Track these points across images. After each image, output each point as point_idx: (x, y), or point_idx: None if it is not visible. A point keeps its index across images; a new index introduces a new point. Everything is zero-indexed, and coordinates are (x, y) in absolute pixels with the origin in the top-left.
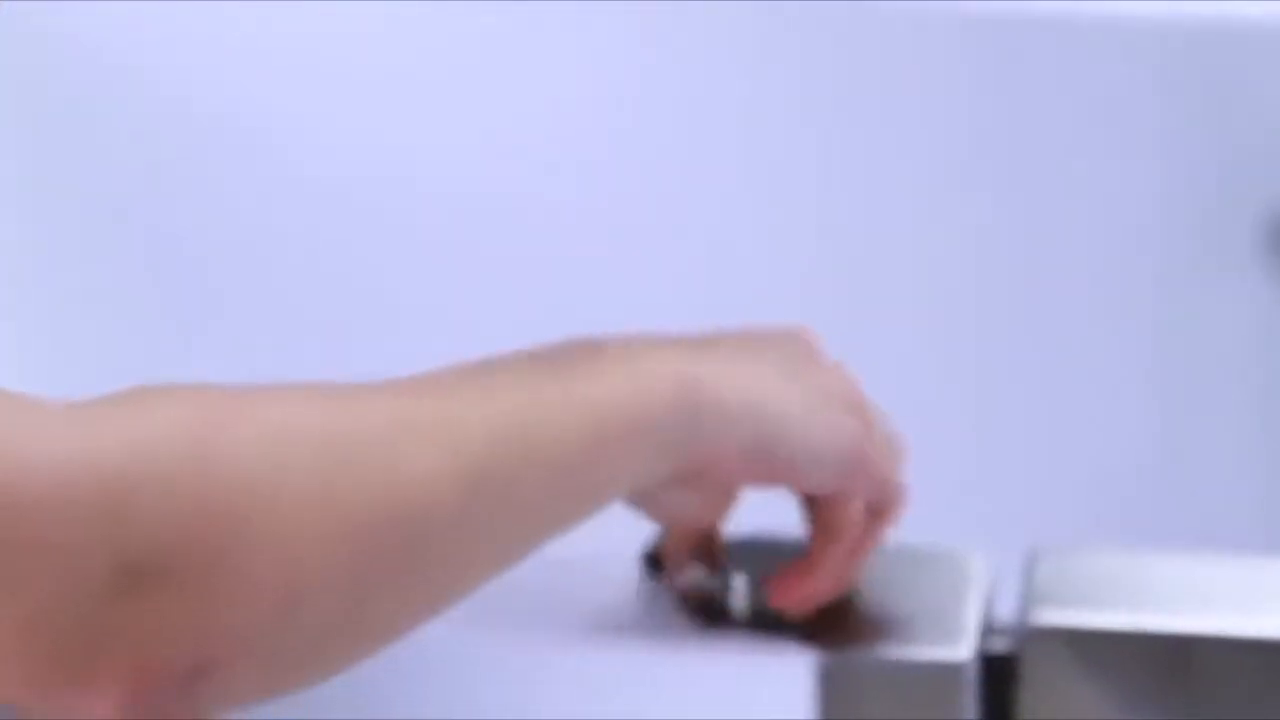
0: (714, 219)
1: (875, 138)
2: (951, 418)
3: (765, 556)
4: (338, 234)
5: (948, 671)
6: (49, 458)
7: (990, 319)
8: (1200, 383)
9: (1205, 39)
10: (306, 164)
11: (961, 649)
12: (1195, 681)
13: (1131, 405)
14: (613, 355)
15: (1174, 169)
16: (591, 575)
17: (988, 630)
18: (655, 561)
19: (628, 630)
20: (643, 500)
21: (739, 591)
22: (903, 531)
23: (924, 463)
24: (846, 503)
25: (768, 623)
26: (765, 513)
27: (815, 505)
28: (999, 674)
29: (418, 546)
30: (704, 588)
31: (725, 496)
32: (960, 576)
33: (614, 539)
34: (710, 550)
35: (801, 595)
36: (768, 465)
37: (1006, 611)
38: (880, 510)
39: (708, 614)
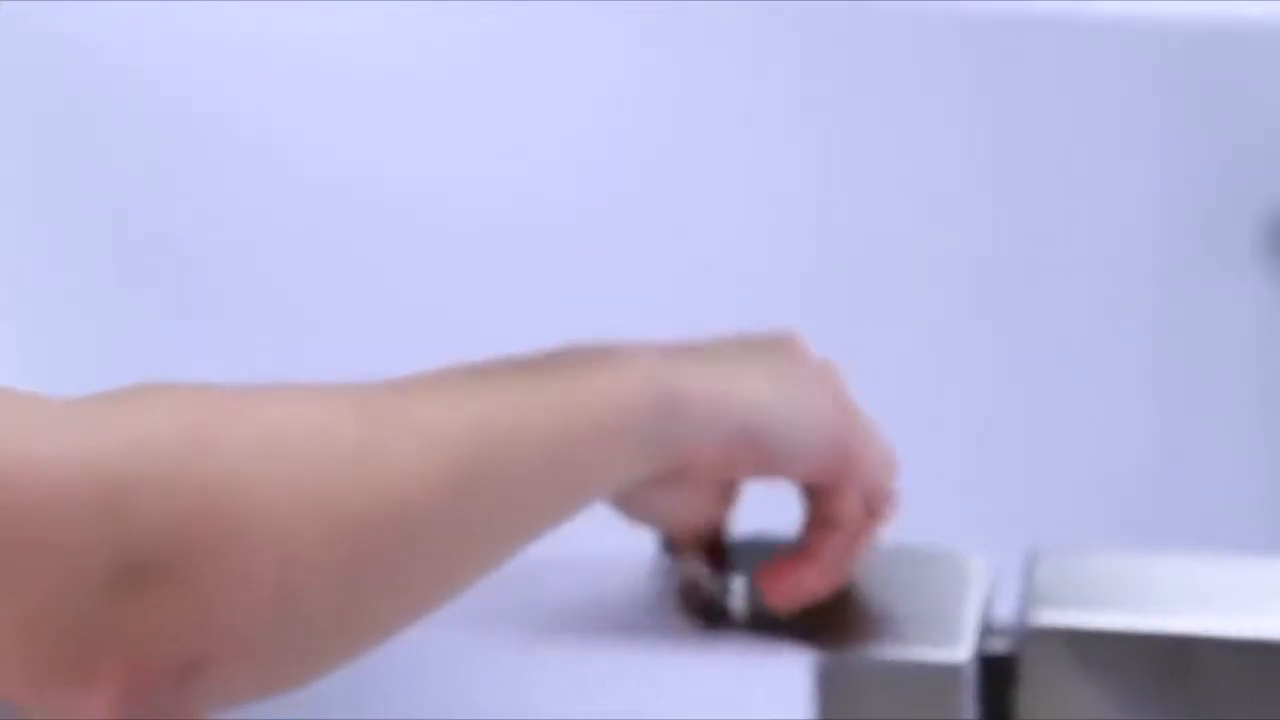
0: (714, 219)
1: (875, 138)
2: (951, 418)
3: (765, 558)
4: (338, 234)
5: (947, 672)
6: (48, 456)
7: (990, 319)
8: (1200, 383)
9: (1205, 39)
10: (307, 164)
11: (960, 649)
12: (1194, 682)
13: (1131, 405)
14: (593, 358)
15: (1174, 169)
16: (591, 576)
17: (987, 631)
18: (671, 546)
19: (627, 631)
20: (631, 503)
21: (738, 592)
22: (902, 531)
23: (923, 463)
24: (841, 495)
25: (767, 623)
26: (766, 513)
27: (812, 498)
28: (998, 675)
29: (411, 543)
30: (703, 588)
31: (719, 493)
32: (959, 577)
33: (613, 539)
34: (715, 549)
35: (791, 585)
36: (752, 456)
37: (1006, 612)
38: (871, 508)
39: (707, 614)
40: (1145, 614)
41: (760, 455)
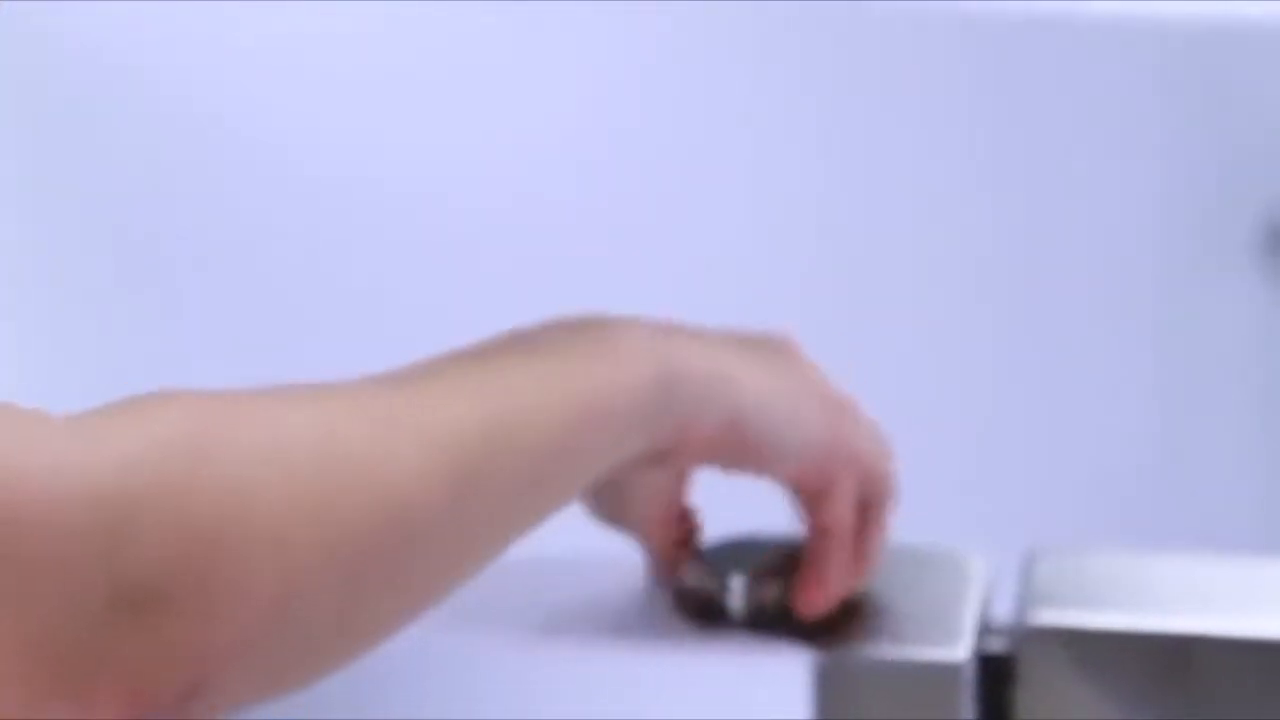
0: (714, 219)
1: (875, 138)
2: (950, 418)
3: (761, 556)
4: (338, 234)
5: (945, 672)
6: (47, 473)
7: (989, 319)
8: (1199, 383)
9: (1204, 39)
10: (306, 164)
11: (959, 649)
12: (1193, 682)
13: (1130, 405)
14: (585, 335)
15: (1174, 169)
16: (589, 576)
17: (985, 630)
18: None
19: (625, 631)
20: (605, 491)
21: (736, 591)
22: (901, 531)
23: (923, 463)
24: (832, 498)
25: (765, 623)
26: (767, 513)
27: (806, 506)
28: (996, 674)
29: (413, 545)
30: (701, 588)
31: (683, 478)
32: (958, 577)
33: (612, 540)
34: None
35: (822, 600)
36: (738, 444)
37: (1004, 611)
38: (874, 502)
39: (705, 614)
40: (1144, 614)
41: (748, 445)
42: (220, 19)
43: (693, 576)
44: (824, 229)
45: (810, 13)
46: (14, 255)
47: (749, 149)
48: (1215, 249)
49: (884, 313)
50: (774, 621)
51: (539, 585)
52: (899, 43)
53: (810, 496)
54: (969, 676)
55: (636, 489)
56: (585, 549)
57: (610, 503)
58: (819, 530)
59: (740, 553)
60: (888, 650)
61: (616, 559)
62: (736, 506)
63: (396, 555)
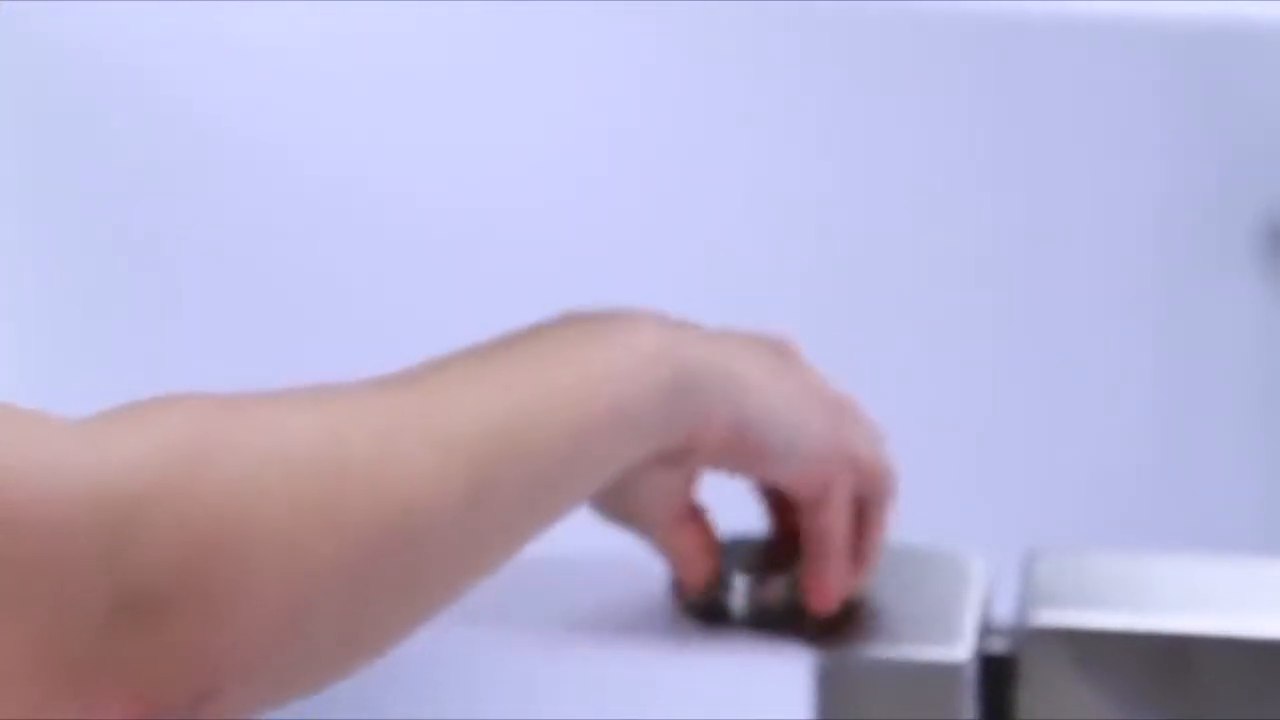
0: (714, 219)
1: (875, 138)
2: (950, 418)
3: (762, 555)
4: (338, 235)
5: (946, 672)
6: (47, 475)
7: (989, 320)
8: (1199, 384)
9: (1204, 40)
10: (306, 164)
11: (960, 649)
12: (1194, 682)
13: (1130, 406)
14: (595, 335)
15: (1173, 169)
16: (590, 576)
17: (986, 631)
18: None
19: (626, 630)
20: (617, 492)
21: (737, 591)
22: (902, 532)
23: (923, 463)
24: (826, 504)
25: (766, 622)
26: (757, 513)
27: (798, 512)
28: (997, 674)
29: (416, 547)
30: (703, 587)
31: (692, 478)
32: (959, 577)
33: (612, 540)
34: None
35: (827, 604)
36: (745, 446)
37: (1005, 612)
38: (873, 502)
39: (706, 614)
40: (1144, 614)
41: (757, 447)
42: (220, 19)
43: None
44: (824, 229)
45: (810, 13)
46: (14, 255)
47: (749, 149)
48: (1215, 249)
49: (884, 313)
50: (776, 621)
51: (540, 585)
52: (899, 43)
53: (808, 499)
54: (970, 677)
55: (646, 489)
56: (586, 549)
57: (619, 503)
58: (816, 533)
59: (741, 552)
60: (889, 650)
61: (617, 559)
62: (735, 506)
63: (403, 559)
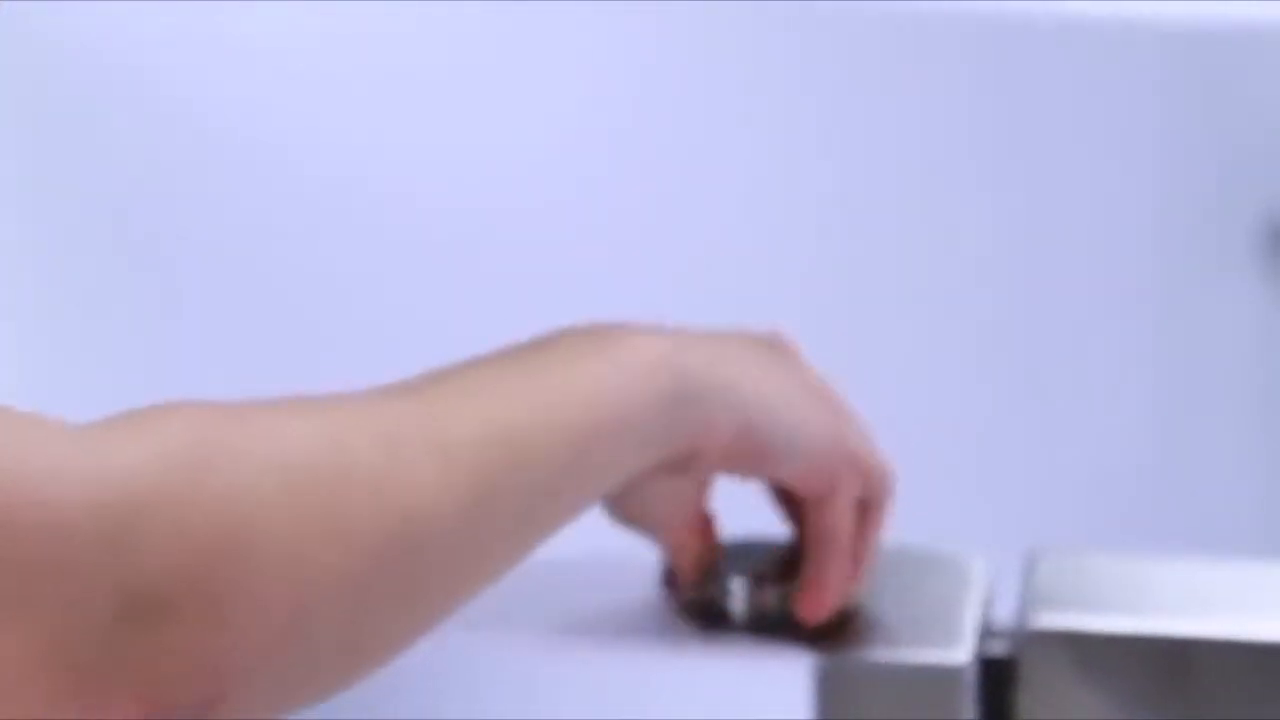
0: (714, 220)
1: (875, 138)
2: (950, 419)
3: (762, 559)
4: (338, 235)
5: (946, 674)
6: (50, 479)
7: (989, 320)
8: (1199, 385)
9: (1204, 41)
10: (306, 164)
11: (960, 652)
12: (1194, 685)
13: (1130, 407)
14: (597, 346)
15: (1173, 170)
16: (589, 579)
17: (986, 633)
18: (672, 578)
19: (626, 633)
20: (626, 498)
21: (737, 594)
22: (901, 534)
23: (923, 465)
24: (832, 503)
25: (766, 625)
26: (765, 515)
27: (802, 512)
28: (997, 677)
29: (418, 556)
30: (702, 591)
31: (704, 485)
32: (959, 579)
33: (612, 542)
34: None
35: (824, 605)
36: (750, 450)
37: (1005, 614)
38: (873, 501)
39: (706, 617)
40: (1144, 617)
41: (762, 449)
42: (220, 19)
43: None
44: (823, 230)
45: (810, 13)
46: (14, 255)
47: (749, 149)
48: (1215, 249)
49: (883, 313)
50: (775, 625)
51: (539, 588)
52: (899, 43)
53: (813, 498)
54: (970, 679)
55: (657, 496)
56: (585, 551)
57: (631, 508)
58: (820, 532)
59: (741, 556)
60: (889, 653)
61: (618, 561)
62: (736, 508)
63: (404, 565)
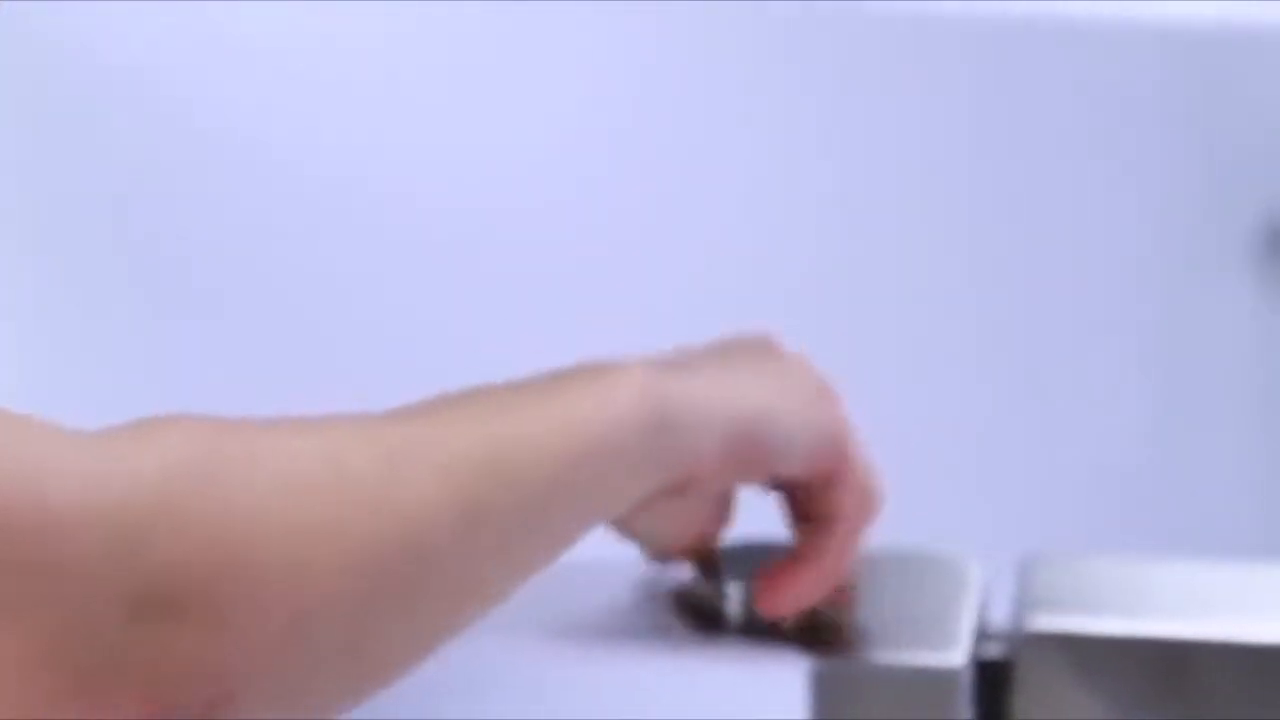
0: (713, 220)
1: (875, 138)
2: (947, 421)
3: (760, 562)
4: (338, 236)
5: (942, 677)
6: (63, 485)
7: (987, 321)
8: (1197, 387)
9: (1203, 42)
10: (306, 165)
11: (956, 655)
12: (1190, 687)
13: (1128, 409)
14: (580, 379)
15: (1172, 172)
16: (585, 581)
17: (982, 636)
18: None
19: (622, 636)
20: (633, 521)
21: (734, 597)
22: (897, 536)
23: (921, 466)
24: (837, 488)
25: (762, 629)
26: (760, 517)
27: (800, 502)
28: (994, 680)
29: (423, 574)
30: (699, 593)
31: (720, 504)
32: (955, 582)
33: (608, 545)
34: (707, 555)
35: (789, 596)
36: (752, 458)
37: (1001, 617)
38: (864, 499)
39: (703, 620)
40: (1141, 619)
41: (760, 455)
42: (220, 19)
43: (691, 582)
44: (823, 230)
45: (810, 13)
46: (14, 256)
47: (749, 149)
48: (1214, 251)
49: (882, 313)
50: (771, 628)
51: (536, 590)
52: (899, 43)
53: (822, 479)
54: (966, 682)
55: (661, 517)
56: (582, 554)
57: (639, 530)
58: (816, 519)
59: (739, 558)
60: (885, 656)
61: (614, 564)
62: (737, 509)
63: (407, 579)
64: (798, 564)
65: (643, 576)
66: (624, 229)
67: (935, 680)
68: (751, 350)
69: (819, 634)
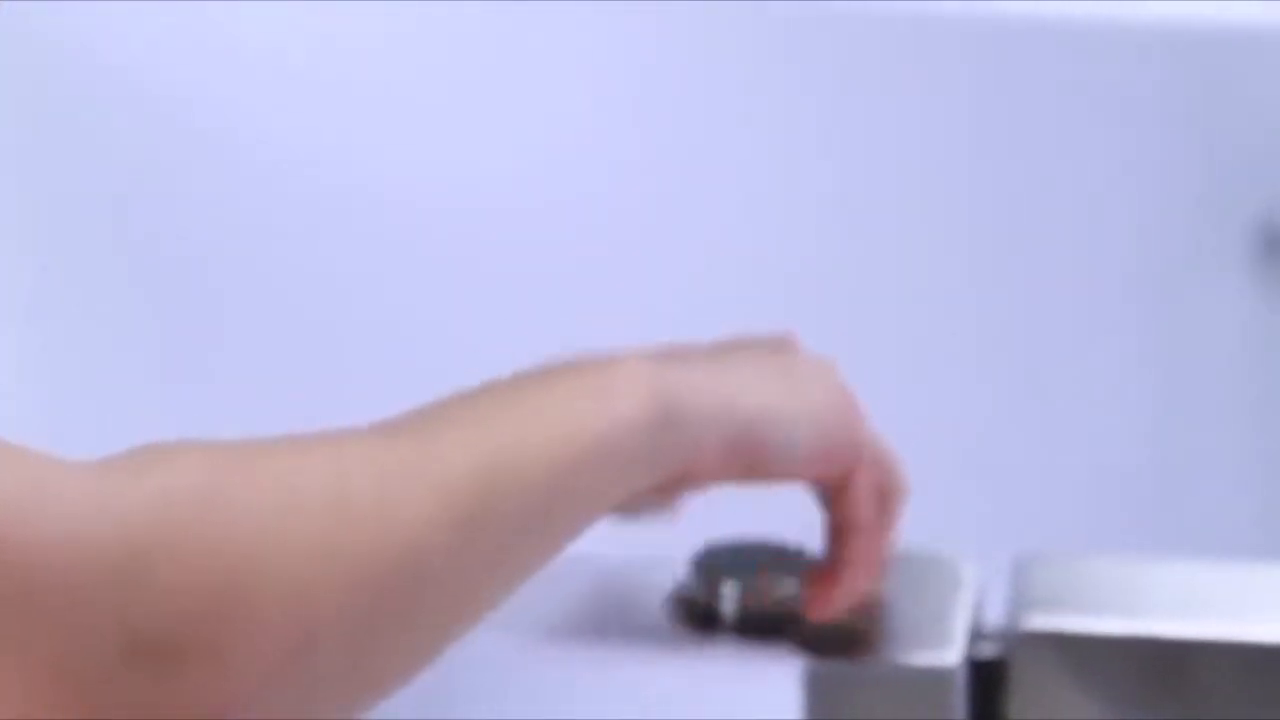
0: (713, 220)
1: (874, 138)
2: (945, 422)
3: (753, 561)
4: (339, 236)
5: (937, 676)
6: (60, 519)
7: (985, 321)
8: (1193, 389)
9: (1199, 44)
10: (307, 165)
11: (950, 654)
12: (1185, 687)
13: (1124, 410)
14: (580, 375)
15: (1169, 174)
16: (580, 580)
17: (977, 635)
18: None
19: (617, 635)
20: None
21: (728, 597)
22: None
23: (920, 466)
24: (852, 491)
25: (757, 628)
26: (752, 517)
27: (827, 503)
28: (988, 679)
29: (418, 588)
30: (694, 593)
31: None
32: (950, 581)
33: (602, 544)
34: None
35: (837, 601)
36: (747, 458)
37: (996, 616)
38: (887, 494)
39: (697, 619)
40: (1135, 619)
41: (759, 455)
42: (222, 20)
43: (686, 582)
44: (822, 230)
45: (810, 13)
46: (14, 256)
47: (749, 149)
48: (1211, 253)
49: (880, 314)
50: (766, 627)
51: (530, 590)
52: (899, 43)
53: (830, 489)
54: (960, 682)
55: (640, 510)
56: (576, 553)
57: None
58: (842, 526)
59: (734, 558)
60: (879, 656)
61: (607, 563)
62: (735, 510)
63: (406, 597)
64: (836, 569)
65: (638, 576)
66: (624, 229)
67: (930, 680)
68: (765, 350)
69: (814, 633)
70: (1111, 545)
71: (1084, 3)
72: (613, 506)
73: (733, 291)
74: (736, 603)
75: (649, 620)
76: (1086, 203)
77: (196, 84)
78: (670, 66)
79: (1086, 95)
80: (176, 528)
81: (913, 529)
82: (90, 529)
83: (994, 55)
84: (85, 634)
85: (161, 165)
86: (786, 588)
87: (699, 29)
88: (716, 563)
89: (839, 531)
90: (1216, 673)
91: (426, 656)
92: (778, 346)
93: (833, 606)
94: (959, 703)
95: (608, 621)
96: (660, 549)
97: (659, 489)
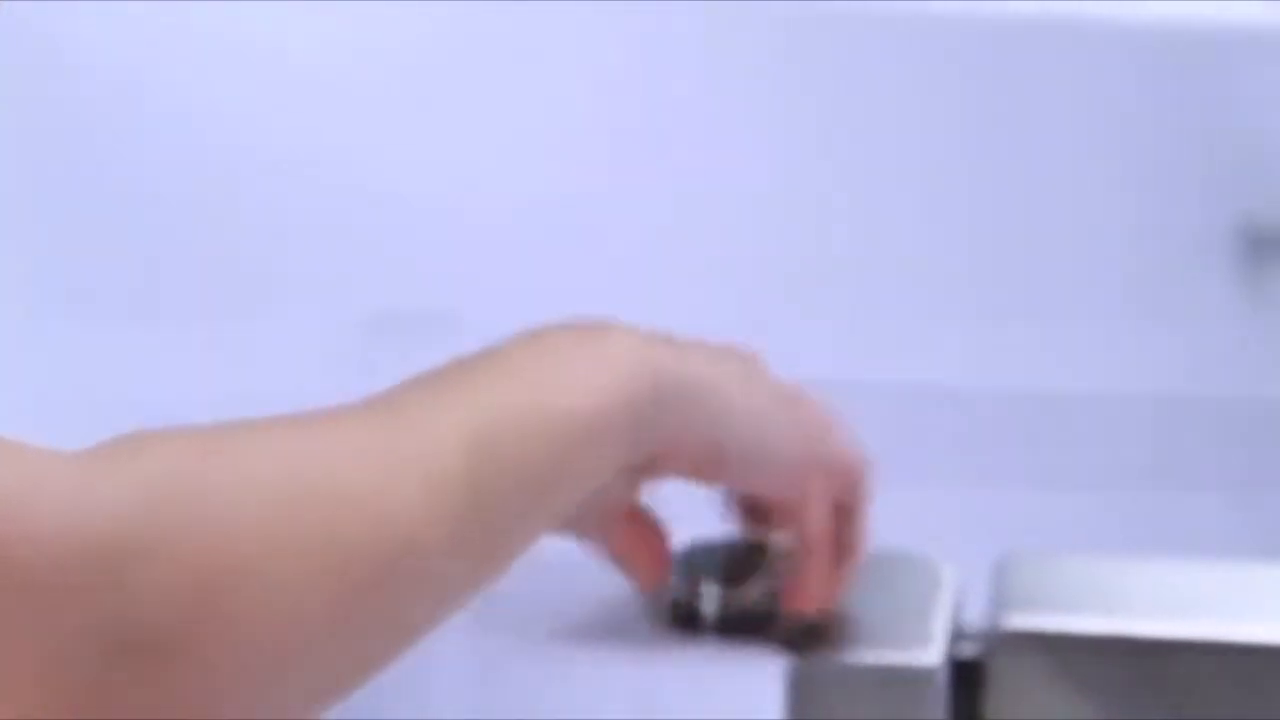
0: (713, 220)
1: (874, 138)
2: (945, 421)
3: (732, 559)
4: (341, 236)
5: (917, 676)
6: (47, 511)
7: (980, 322)
8: (1181, 388)
9: (1185, 47)
10: (307, 166)
11: (931, 654)
12: (1167, 686)
13: (1112, 410)
14: (580, 342)
15: (1155, 178)
16: (562, 580)
17: (957, 635)
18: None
19: (599, 636)
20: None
21: (709, 596)
22: (891, 537)
23: (919, 466)
24: (804, 510)
25: (738, 627)
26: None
27: (773, 523)
28: (968, 679)
29: (405, 573)
30: (674, 593)
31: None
32: (930, 581)
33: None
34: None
35: (817, 595)
36: (718, 456)
37: (976, 616)
38: (850, 503)
39: (678, 619)
40: (1116, 619)
41: (722, 460)
42: (221, 20)
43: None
44: (821, 229)
45: (810, 13)
46: (13, 256)
47: (748, 149)
48: (1195, 258)
49: (879, 313)
50: (747, 627)
51: (511, 591)
52: (899, 43)
53: (784, 505)
54: (941, 681)
55: (597, 497)
56: (557, 554)
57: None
58: (799, 538)
59: (715, 558)
60: (860, 655)
61: (588, 564)
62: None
63: (396, 586)
64: (803, 584)
65: (619, 576)
66: (624, 229)
67: (910, 680)
68: (738, 362)
69: (795, 633)
70: (1098, 546)
71: (1077, 3)
72: (596, 486)
73: (732, 290)
74: (718, 602)
75: (630, 620)
76: (1074, 207)
77: (197, 84)
78: (671, 66)
79: (1072, 98)
80: (156, 523)
81: (895, 530)
82: (73, 525)
83: (992, 55)
84: (68, 633)
85: (163, 166)
86: (768, 587)
87: (699, 29)
88: (698, 562)
89: (799, 544)
90: (1197, 672)
91: (410, 641)
92: (746, 359)
93: (814, 605)
94: (940, 702)
95: (589, 622)
96: None
97: (626, 479)
